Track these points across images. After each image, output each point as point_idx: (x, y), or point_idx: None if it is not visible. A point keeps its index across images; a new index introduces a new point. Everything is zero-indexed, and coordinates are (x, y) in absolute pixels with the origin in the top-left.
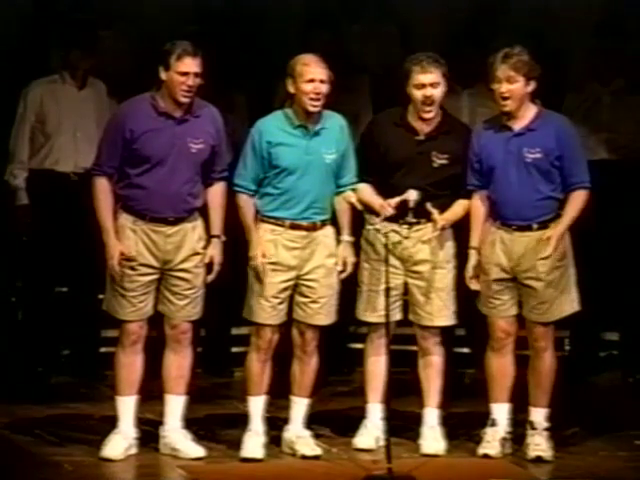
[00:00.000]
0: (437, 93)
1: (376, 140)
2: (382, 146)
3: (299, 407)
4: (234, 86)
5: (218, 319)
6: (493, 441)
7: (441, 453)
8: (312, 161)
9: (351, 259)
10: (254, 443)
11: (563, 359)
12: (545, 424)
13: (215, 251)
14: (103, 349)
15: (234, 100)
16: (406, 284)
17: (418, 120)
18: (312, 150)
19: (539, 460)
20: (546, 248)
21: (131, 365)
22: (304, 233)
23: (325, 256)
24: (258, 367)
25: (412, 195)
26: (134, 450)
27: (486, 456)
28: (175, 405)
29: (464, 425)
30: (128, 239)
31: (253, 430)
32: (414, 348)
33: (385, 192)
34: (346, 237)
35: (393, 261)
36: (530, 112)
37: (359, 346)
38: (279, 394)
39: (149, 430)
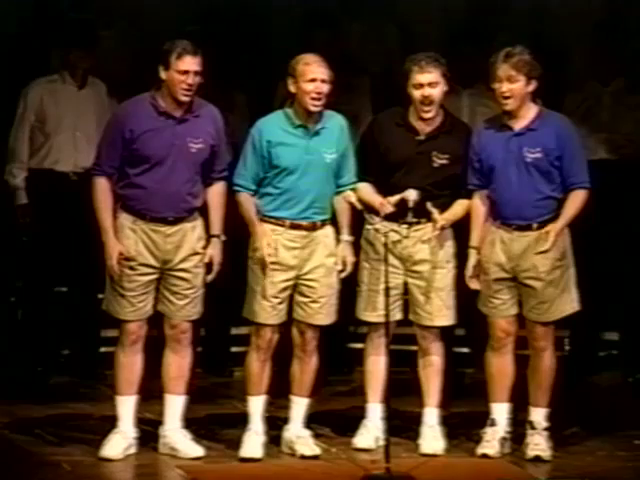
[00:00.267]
0: (435, 93)
1: (377, 140)
2: (382, 146)
3: (299, 407)
4: (234, 86)
5: (218, 319)
6: (492, 441)
7: (440, 453)
8: (312, 161)
9: (351, 259)
10: (253, 443)
11: (563, 359)
12: (544, 424)
13: (215, 251)
14: (103, 349)
15: (234, 100)
16: (406, 284)
17: (419, 120)
18: (312, 150)
19: (538, 460)
20: (545, 242)
21: (131, 365)
22: (304, 233)
23: (325, 256)
24: (258, 367)
25: (412, 195)
26: (133, 450)
27: (485, 456)
28: (175, 405)
29: (464, 425)
30: (128, 239)
31: (253, 430)
32: (414, 348)
33: (385, 192)
34: (346, 237)
35: (393, 261)
36: (531, 112)
37: (359, 346)
38: (279, 394)
39: (148, 430)
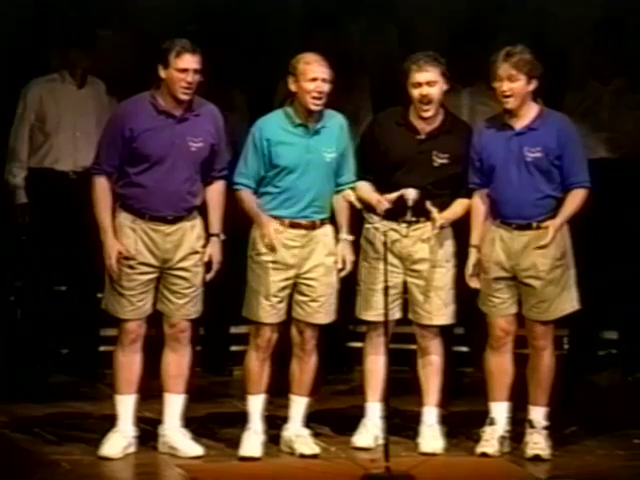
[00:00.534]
0: (434, 92)
1: (377, 139)
2: (383, 145)
3: (298, 406)
4: (234, 85)
5: (217, 318)
6: (491, 440)
7: (439, 452)
8: (312, 160)
9: (350, 257)
10: (253, 442)
11: (562, 358)
12: (544, 423)
13: (214, 250)
14: (102, 348)
15: (234, 99)
16: (405, 283)
17: (419, 119)
18: (312, 149)
19: (537, 459)
20: (544, 237)
21: (130, 364)
22: (303, 232)
23: (324, 255)
24: (257, 366)
25: (411, 194)
26: (133, 449)
27: (484, 455)
28: (174, 404)
29: (463, 424)
30: (127, 238)
31: (252, 429)
32: (413, 347)
33: (386, 191)
34: (345, 235)
35: (392, 260)
36: (532, 111)
37: (358, 345)
38: (278, 393)
39: (148, 429)
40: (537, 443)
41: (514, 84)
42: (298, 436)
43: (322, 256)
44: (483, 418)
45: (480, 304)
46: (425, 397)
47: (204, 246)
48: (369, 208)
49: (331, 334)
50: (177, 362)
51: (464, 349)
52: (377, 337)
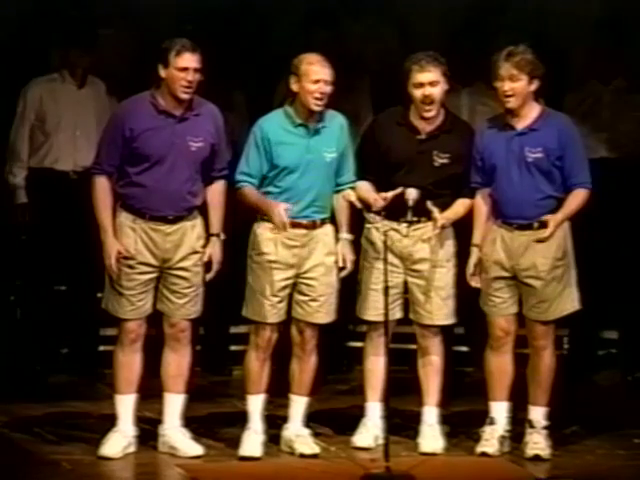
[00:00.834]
0: (436, 92)
1: (377, 139)
2: (383, 145)
3: (298, 405)
4: (234, 85)
5: (217, 317)
6: (491, 439)
7: (439, 451)
8: (313, 160)
9: (350, 256)
10: (253, 441)
11: (562, 357)
12: (544, 422)
13: (214, 249)
14: (102, 347)
15: (233, 99)
16: (406, 283)
17: (420, 119)
18: (313, 149)
19: (537, 459)
20: (544, 231)
21: (130, 364)
22: (304, 231)
23: (324, 254)
24: (257, 365)
25: (411, 194)
26: (133, 448)
27: (484, 454)
28: (174, 403)
29: (463, 423)
30: (127, 237)
31: (252, 428)
32: (413, 347)
33: (386, 191)
34: (345, 235)
35: (393, 259)
36: (533, 111)
37: (358, 344)
38: (278, 392)
39: (148, 428)
40: (537, 443)
41: (515, 84)
42: (298, 436)
43: (322, 256)
44: (483, 418)
45: (481, 304)
46: (425, 397)
47: (204, 246)
48: (369, 208)
49: (331, 334)
50: (177, 362)
51: (464, 349)
52: (377, 337)
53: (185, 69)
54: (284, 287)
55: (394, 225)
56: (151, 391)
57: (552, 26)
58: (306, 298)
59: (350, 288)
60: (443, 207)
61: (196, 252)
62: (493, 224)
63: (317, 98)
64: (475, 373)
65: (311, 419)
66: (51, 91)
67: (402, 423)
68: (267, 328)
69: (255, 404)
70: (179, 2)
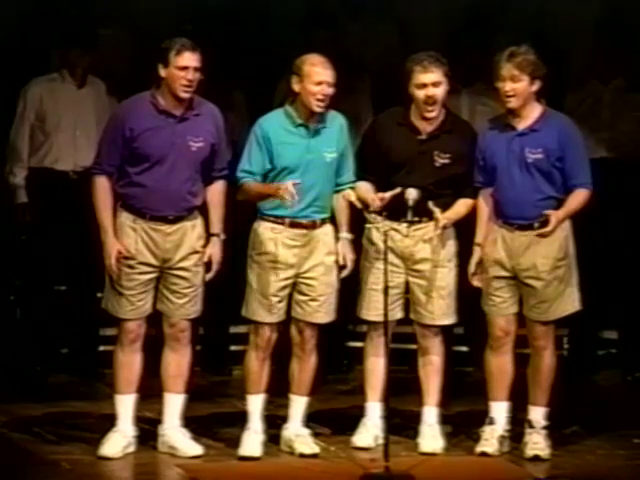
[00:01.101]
0: (439, 92)
1: (378, 139)
2: (384, 145)
3: (298, 405)
4: (233, 85)
5: (217, 317)
6: (491, 439)
7: (439, 451)
8: (313, 160)
9: (351, 256)
10: (253, 441)
11: (562, 357)
12: (543, 422)
13: (214, 250)
14: (102, 347)
15: (233, 98)
16: (407, 283)
17: (421, 119)
18: (313, 149)
19: (537, 459)
20: (546, 226)
21: (130, 364)
22: (304, 231)
23: (324, 254)
24: (257, 365)
25: (411, 194)
26: (132, 448)
27: (484, 454)
28: (174, 403)
29: (463, 424)
30: (128, 237)
31: (252, 428)
32: (413, 347)
33: (386, 191)
34: (345, 234)
35: (394, 260)
36: (535, 112)
37: (358, 344)
38: (278, 392)
39: (148, 428)
40: (536, 443)
41: (517, 84)
42: (298, 436)
43: (322, 255)
44: (483, 418)
45: (483, 304)
46: (425, 397)
47: (204, 246)
48: (368, 207)
49: (331, 334)
50: (177, 362)
51: (464, 349)
52: (378, 337)
53: (185, 68)
54: (284, 287)
55: (394, 225)
56: (151, 391)
57: (552, 26)
58: (306, 298)
59: (350, 288)
60: (444, 207)
61: (196, 252)
62: (494, 224)
63: (319, 100)
64: (475, 373)
65: (311, 419)
66: (51, 91)
67: (402, 423)
68: (267, 328)
69: (255, 404)
70: (179, 2)
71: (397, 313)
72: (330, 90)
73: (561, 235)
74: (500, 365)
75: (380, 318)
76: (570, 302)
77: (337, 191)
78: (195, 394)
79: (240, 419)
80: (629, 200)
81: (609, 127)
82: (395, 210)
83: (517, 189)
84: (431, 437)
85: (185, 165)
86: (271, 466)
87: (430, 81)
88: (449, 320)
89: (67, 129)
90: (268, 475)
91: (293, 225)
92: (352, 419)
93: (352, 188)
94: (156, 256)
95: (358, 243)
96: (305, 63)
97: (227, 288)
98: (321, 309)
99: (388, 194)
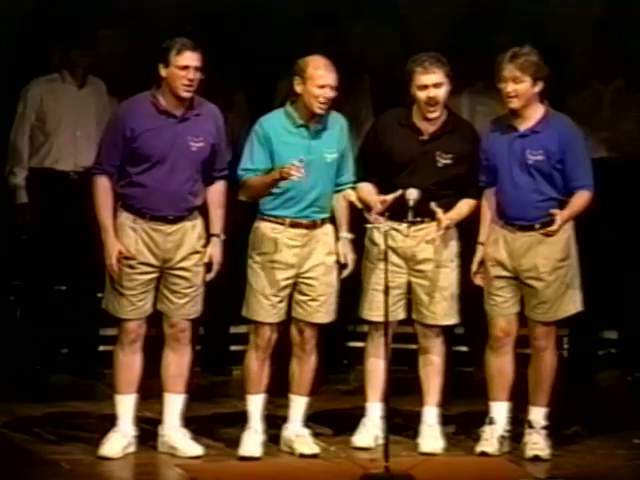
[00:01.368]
0: (441, 93)
1: (380, 140)
2: (386, 146)
3: (298, 405)
4: (234, 85)
5: (217, 317)
6: (491, 439)
7: (439, 452)
8: (313, 160)
9: (351, 255)
10: (253, 441)
11: (562, 358)
12: (543, 423)
13: (215, 250)
14: (102, 348)
15: (234, 99)
16: (410, 283)
17: (423, 120)
18: (313, 149)
19: (536, 459)
20: (550, 226)
21: (130, 364)
22: (304, 231)
23: (325, 254)
24: (257, 365)
25: (411, 194)
26: (132, 448)
27: (484, 454)
28: (174, 403)
29: (463, 424)
30: (128, 237)
31: (252, 428)
32: (413, 347)
33: (389, 192)
34: (345, 234)
35: (396, 260)
36: (537, 113)
37: (358, 344)
38: (278, 392)
39: (148, 428)
40: (536, 443)
41: (519, 85)
42: (298, 436)
43: (322, 255)
44: (483, 418)
45: (485, 304)
46: (425, 397)
47: (205, 246)
48: (370, 209)
49: (331, 334)
50: (177, 362)
51: (464, 349)
52: (379, 337)
53: (186, 67)
54: (284, 287)
55: (395, 225)
56: (151, 391)
57: (552, 26)
58: (306, 298)
59: (350, 288)
60: (446, 207)
61: (196, 252)
62: (496, 224)
63: (321, 102)
64: (475, 373)
65: (311, 419)
66: (51, 91)
67: (402, 423)
68: (267, 328)
69: (255, 404)
70: (179, 2)
71: (399, 313)
72: (332, 93)
73: (563, 236)
74: (500, 365)
75: (381, 318)
76: (572, 303)
77: (337, 191)
78: (195, 394)
79: (240, 419)
80: (629, 200)
81: (609, 127)
82: (396, 210)
83: (518, 190)
84: (431, 437)
85: (185, 165)
86: (271, 466)
87: (431, 82)
88: (451, 320)
89: (67, 129)
90: (268, 475)
91: (293, 225)
92: (352, 419)
93: (352, 188)
94: (156, 256)
95: (359, 243)
96: (308, 65)
97: (227, 288)
98: (321, 309)
99: (389, 197)
